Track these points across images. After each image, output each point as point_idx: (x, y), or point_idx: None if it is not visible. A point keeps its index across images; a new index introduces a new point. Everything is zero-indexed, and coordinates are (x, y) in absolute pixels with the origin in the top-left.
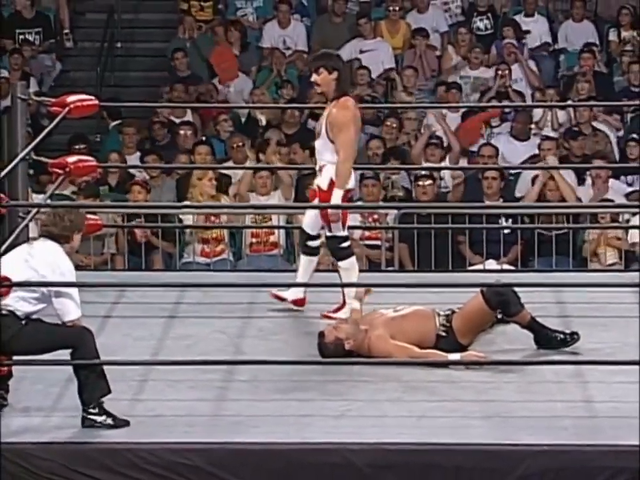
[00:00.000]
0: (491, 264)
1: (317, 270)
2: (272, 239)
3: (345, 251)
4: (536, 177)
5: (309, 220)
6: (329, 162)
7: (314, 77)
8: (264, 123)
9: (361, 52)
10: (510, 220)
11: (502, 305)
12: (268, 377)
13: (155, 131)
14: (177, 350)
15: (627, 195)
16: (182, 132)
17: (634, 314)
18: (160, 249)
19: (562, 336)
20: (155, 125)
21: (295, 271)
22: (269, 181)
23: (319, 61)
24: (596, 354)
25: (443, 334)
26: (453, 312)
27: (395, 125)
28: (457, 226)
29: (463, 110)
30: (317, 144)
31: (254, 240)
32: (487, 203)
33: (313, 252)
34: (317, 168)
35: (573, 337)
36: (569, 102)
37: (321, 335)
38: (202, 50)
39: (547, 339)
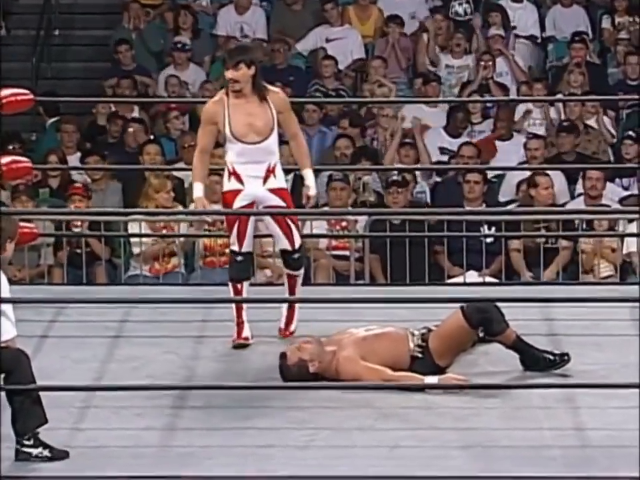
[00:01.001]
0: (472, 276)
1: (268, 284)
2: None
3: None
4: (522, 182)
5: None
6: (278, 159)
7: (232, 74)
8: None
9: (327, 41)
10: (493, 227)
11: (484, 323)
12: (223, 403)
13: (98, 128)
14: (122, 373)
15: (622, 200)
16: (130, 129)
17: (631, 332)
18: (103, 261)
19: (551, 357)
20: (98, 121)
21: (254, 285)
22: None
23: (238, 56)
24: (588, 376)
25: (419, 355)
26: (430, 330)
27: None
28: (434, 234)
29: (449, 105)
30: (263, 145)
31: (208, 253)
32: (468, 208)
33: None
34: (264, 172)
35: (563, 357)
36: (559, 96)
37: (283, 356)
38: (149, 41)
39: (534, 359)
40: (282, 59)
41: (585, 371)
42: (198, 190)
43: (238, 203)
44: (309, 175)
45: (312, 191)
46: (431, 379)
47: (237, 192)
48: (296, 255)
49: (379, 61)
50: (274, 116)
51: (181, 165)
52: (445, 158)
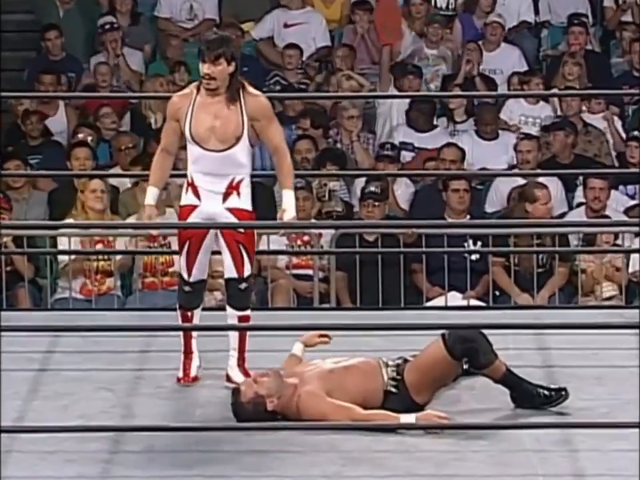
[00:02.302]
0: (455, 298)
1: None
2: (172, 271)
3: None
4: (514, 190)
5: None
6: (247, 173)
7: (209, 69)
8: (159, 122)
9: (286, 26)
10: (479, 243)
11: (468, 354)
12: (167, 447)
13: (27, 126)
14: (49, 412)
15: (627, 211)
16: (80, 135)
17: (636, 363)
18: (26, 281)
19: (546, 392)
20: (26, 120)
21: (203, 309)
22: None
23: (219, 48)
24: (588, 414)
25: (393, 390)
26: (406, 361)
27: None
28: (410, 250)
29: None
30: (226, 155)
31: (148, 273)
32: (450, 220)
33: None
34: (224, 188)
35: (560, 393)
36: (554, 90)
37: (236, 391)
38: (78, 25)
39: (526, 396)
40: (235, 47)
41: (584, 408)
42: (150, 196)
43: (191, 222)
44: (288, 196)
45: (289, 215)
46: (408, 418)
47: (192, 208)
48: (242, 285)
49: (346, 50)
50: (244, 122)
51: (117, 170)
52: (409, 156)
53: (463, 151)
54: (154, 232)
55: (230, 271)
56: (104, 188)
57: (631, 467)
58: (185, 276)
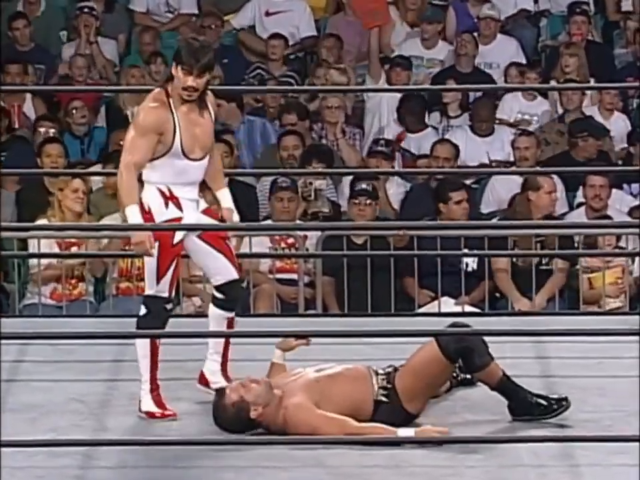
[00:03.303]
0: (448, 304)
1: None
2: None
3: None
4: (516, 195)
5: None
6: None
7: (195, 82)
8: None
9: (267, 14)
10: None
11: (463, 354)
12: (141, 462)
13: None
14: (17, 425)
15: (631, 211)
16: (42, 129)
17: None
18: None
19: (545, 402)
20: None
21: (177, 315)
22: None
23: (207, 62)
24: (590, 427)
25: (384, 399)
26: (396, 369)
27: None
28: (401, 252)
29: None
30: (204, 162)
31: (123, 278)
32: (443, 222)
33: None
34: (197, 194)
35: (561, 403)
36: (553, 83)
37: (221, 393)
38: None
39: (525, 405)
40: (214, 36)
41: (585, 421)
42: (137, 215)
43: (178, 237)
44: (227, 196)
45: (236, 216)
46: (406, 432)
47: (177, 220)
48: (244, 284)
49: (332, 40)
50: (213, 125)
51: (97, 168)
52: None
53: (457, 148)
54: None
55: (230, 273)
56: (85, 189)
57: None
58: (166, 294)
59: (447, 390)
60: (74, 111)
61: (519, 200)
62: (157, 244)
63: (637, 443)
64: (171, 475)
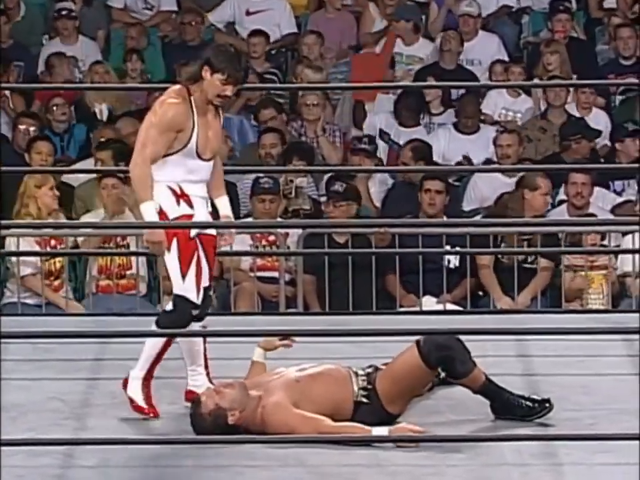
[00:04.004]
0: (430, 303)
1: None
2: (129, 274)
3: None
4: (507, 193)
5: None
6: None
7: (231, 92)
8: (105, 114)
9: (248, 13)
10: (457, 248)
11: (444, 362)
12: (122, 462)
13: None
14: None
15: (614, 208)
16: (22, 126)
17: (624, 370)
18: None
19: (529, 403)
20: None
21: (157, 314)
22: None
23: (245, 72)
24: (573, 426)
25: (364, 400)
26: (377, 369)
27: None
28: (383, 251)
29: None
30: (213, 163)
31: (103, 276)
32: (426, 220)
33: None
34: (206, 192)
35: (544, 405)
36: (535, 80)
37: (196, 402)
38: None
39: (507, 407)
40: (194, 33)
41: (568, 419)
42: (153, 212)
43: (194, 231)
44: (226, 203)
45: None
46: (380, 430)
47: (189, 217)
48: (211, 292)
49: (313, 37)
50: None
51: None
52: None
53: (430, 148)
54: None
55: (207, 279)
56: (54, 185)
57: None
58: (194, 297)
59: (429, 389)
60: (54, 108)
61: (513, 197)
62: (175, 241)
63: (637, 441)
64: (152, 474)
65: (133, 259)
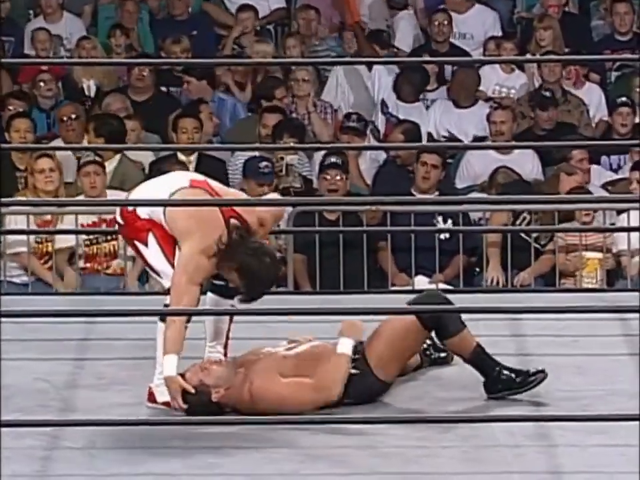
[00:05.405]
0: (422, 283)
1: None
2: (114, 264)
3: None
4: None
5: None
6: None
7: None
8: (93, 89)
9: None
10: (449, 220)
11: (436, 319)
12: (109, 444)
13: None
14: None
15: (607, 185)
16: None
17: (619, 350)
18: None
19: (522, 374)
20: None
21: (145, 293)
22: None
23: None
24: (567, 406)
25: (353, 371)
26: (362, 343)
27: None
28: (374, 229)
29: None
30: None
31: (88, 265)
32: (419, 196)
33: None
34: None
35: (538, 375)
36: (528, 55)
37: (181, 377)
38: None
39: (500, 378)
40: (182, 8)
41: (562, 399)
42: (174, 366)
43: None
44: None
45: None
46: (345, 345)
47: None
48: None
49: (312, 12)
50: None
51: (58, 142)
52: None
53: (419, 130)
54: None
55: None
56: (53, 166)
57: (613, 463)
58: None
59: (418, 367)
60: (41, 84)
61: (550, 176)
62: (151, 235)
63: (636, 422)
64: (140, 455)
65: (121, 248)
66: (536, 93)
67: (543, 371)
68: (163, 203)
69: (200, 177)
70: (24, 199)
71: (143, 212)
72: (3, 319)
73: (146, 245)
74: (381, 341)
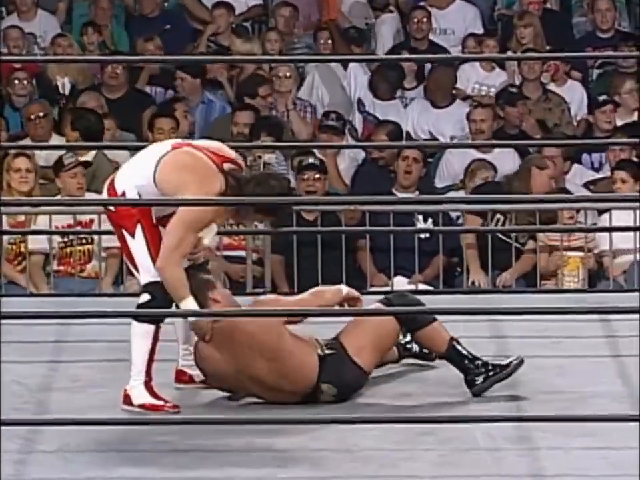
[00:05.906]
0: (401, 284)
1: None
2: (89, 267)
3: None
4: (474, 162)
5: None
6: None
7: None
8: (67, 87)
9: None
10: (430, 220)
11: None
12: (84, 446)
13: None
14: None
15: (589, 184)
16: None
17: (601, 352)
18: None
19: (498, 366)
20: None
21: (121, 295)
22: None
23: None
24: (548, 408)
25: (328, 352)
26: (337, 336)
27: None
28: (353, 229)
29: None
30: None
31: (62, 267)
32: (400, 195)
33: None
34: None
35: (514, 362)
36: (509, 53)
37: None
38: None
39: (479, 369)
40: (153, 4)
41: (543, 402)
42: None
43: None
44: None
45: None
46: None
47: None
48: None
49: (289, 9)
50: None
51: (28, 141)
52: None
53: (399, 128)
54: None
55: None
56: (29, 167)
57: (595, 466)
58: None
59: (396, 360)
60: (16, 82)
61: (520, 172)
62: (139, 226)
63: (607, 425)
64: (116, 458)
65: (96, 252)
66: (503, 90)
67: (518, 358)
68: (163, 203)
69: (180, 140)
70: (24, 198)
71: (131, 193)
72: None
73: (133, 235)
74: (359, 329)
